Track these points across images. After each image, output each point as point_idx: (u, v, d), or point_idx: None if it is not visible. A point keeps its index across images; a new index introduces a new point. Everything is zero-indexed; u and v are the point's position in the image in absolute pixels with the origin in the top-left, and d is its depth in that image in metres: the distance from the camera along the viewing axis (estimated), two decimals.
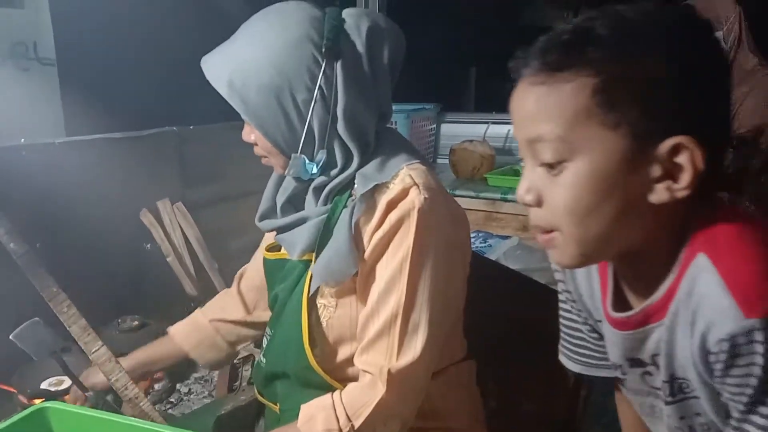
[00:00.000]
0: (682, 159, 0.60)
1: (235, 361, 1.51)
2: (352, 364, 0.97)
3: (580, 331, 0.85)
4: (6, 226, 1.09)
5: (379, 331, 0.90)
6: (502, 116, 2.80)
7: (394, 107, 0.97)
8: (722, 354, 0.59)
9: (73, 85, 1.70)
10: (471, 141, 2.51)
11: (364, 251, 0.93)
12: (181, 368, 1.46)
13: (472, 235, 2.16)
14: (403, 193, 0.90)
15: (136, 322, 1.38)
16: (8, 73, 1.59)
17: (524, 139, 0.64)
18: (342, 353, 0.99)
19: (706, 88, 0.61)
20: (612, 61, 0.59)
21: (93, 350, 1.01)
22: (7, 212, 1.16)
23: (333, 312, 0.97)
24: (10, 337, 1.03)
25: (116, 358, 1.04)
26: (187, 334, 1.18)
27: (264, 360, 1.07)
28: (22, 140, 1.44)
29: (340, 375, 0.99)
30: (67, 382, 1.14)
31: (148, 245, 1.67)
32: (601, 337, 0.82)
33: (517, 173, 2.46)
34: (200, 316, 1.20)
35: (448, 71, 4.20)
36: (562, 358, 0.90)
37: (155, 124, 1.76)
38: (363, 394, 0.90)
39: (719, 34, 2.11)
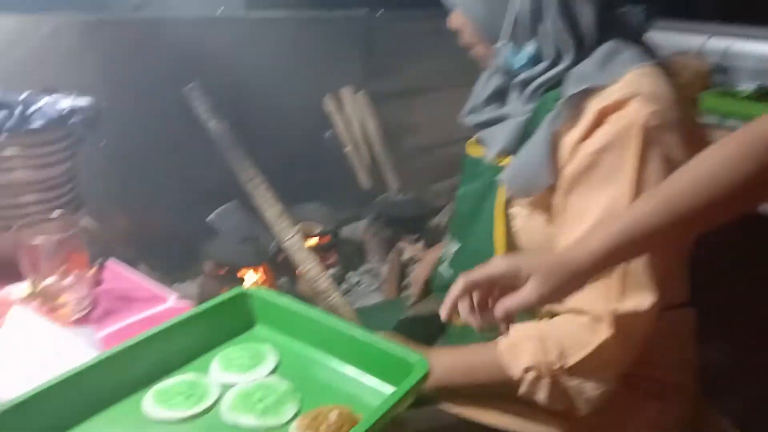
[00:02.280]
0: None
1: (402, 259, 1.49)
2: None
3: None
4: (207, 102, 1.08)
5: None
6: (726, 27, 2.36)
7: None
8: None
9: None
10: (683, 53, 2.16)
11: (562, 164, 0.79)
12: (354, 259, 1.47)
13: None
14: (622, 103, 0.74)
15: None
16: None
17: None
18: None
19: None
20: None
21: (287, 237, 1.00)
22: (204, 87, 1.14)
23: (525, 221, 0.87)
24: (208, 219, 1.04)
25: (309, 249, 1.02)
26: None
27: (452, 270, 1.01)
28: (222, 8, 1.41)
29: None
30: None
31: (328, 133, 1.64)
32: None
33: (735, 96, 2.09)
34: None
35: None
36: None
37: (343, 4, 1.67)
38: (579, 334, 0.80)
39: None
